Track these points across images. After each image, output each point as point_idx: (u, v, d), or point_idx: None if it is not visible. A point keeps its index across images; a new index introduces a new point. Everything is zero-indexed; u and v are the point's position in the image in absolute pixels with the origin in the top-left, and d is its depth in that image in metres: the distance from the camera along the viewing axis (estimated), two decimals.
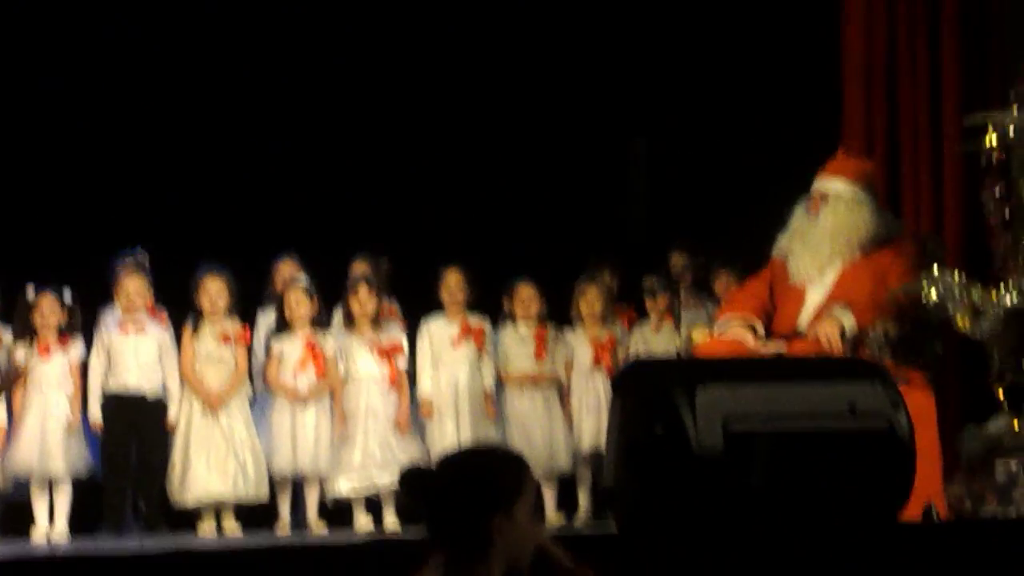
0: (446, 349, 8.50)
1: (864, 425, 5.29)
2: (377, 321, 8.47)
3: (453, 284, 8.56)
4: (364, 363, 8.40)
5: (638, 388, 5.31)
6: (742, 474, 5.16)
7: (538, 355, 8.60)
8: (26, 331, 8.08)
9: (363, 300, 8.42)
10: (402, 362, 8.46)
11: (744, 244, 8.57)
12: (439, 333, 8.54)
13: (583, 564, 3.73)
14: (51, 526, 8.00)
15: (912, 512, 5.90)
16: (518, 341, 8.61)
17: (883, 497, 5.32)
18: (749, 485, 5.17)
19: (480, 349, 8.52)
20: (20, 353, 8.05)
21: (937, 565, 5.15)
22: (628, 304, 9.11)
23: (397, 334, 8.53)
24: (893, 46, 8.55)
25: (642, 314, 8.99)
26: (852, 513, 5.23)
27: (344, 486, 8.24)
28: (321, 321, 8.39)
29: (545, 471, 8.46)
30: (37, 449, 8.00)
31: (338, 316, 8.62)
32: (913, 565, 5.11)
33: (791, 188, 7.97)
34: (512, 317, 8.64)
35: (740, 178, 9.56)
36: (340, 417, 8.31)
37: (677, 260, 9.14)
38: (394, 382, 8.41)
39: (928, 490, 6.68)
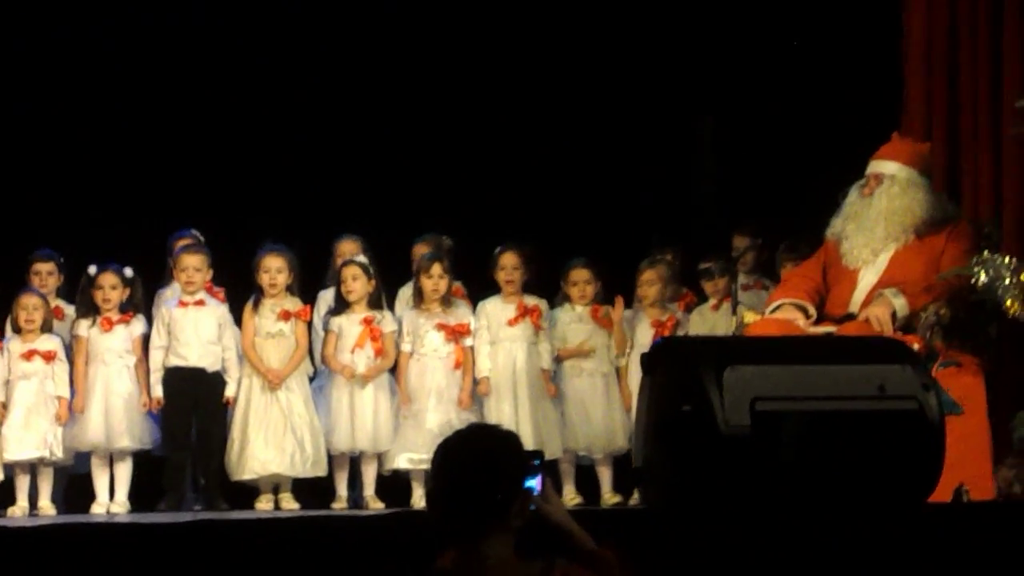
0: (503, 328, 8.54)
1: (893, 406, 5.28)
2: (447, 300, 8.53)
3: (509, 265, 8.61)
4: (431, 341, 8.47)
5: (667, 366, 5.34)
6: (769, 453, 5.17)
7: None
8: (89, 308, 8.26)
9: (436, 279, 8.48)
10: (469, 342, 8.51)
11: (809, 227, 8.53)
12: (496, 313, 8.59)
13: (604, 545, 3.73)
14: (111, 500, 8.16)
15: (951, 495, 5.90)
16: (576, 320, 8.64)
17: (912, 478, 5.31)
18: (776, 464, 5.17)
19: (537, 328, 8.56)
20: (83, 329, 8.22)
21: (966, 547, 5.13)
22: (688, 287, 9.10)
23: (466, 314, 8.59)
24: (954, 28, 8.45)
25: (704, 298, 8.98)
26: (880, 494, 5.22)
27: (403, 460, 8.31)
28: (379, 300, 8.46)
29: (602, 450, 8.53)
30: (102, 423, 8.15)
31: (406, 293, 8.69)
32: (940, 547, 5.09)
33: (854, 171, 7.95)
34: (568, 298, 8.68)
35: (803, 160, 9.50)
36: (403, 394, 8.39)
37: (739, 242, 9.10)
38: (459, 362, 8.47)
39: (976, 473, 6.69)
